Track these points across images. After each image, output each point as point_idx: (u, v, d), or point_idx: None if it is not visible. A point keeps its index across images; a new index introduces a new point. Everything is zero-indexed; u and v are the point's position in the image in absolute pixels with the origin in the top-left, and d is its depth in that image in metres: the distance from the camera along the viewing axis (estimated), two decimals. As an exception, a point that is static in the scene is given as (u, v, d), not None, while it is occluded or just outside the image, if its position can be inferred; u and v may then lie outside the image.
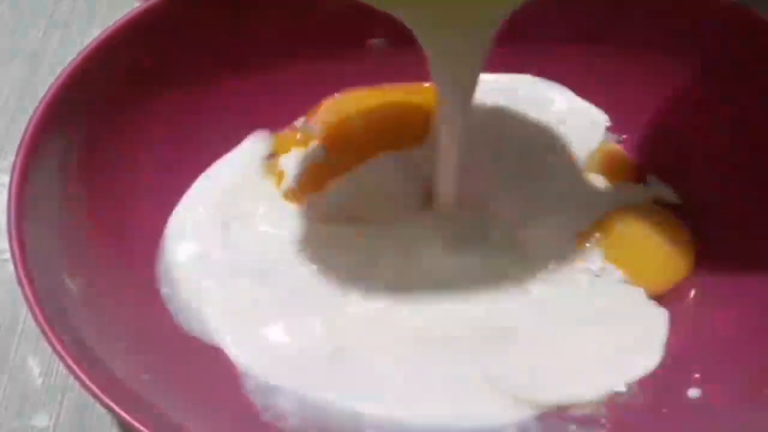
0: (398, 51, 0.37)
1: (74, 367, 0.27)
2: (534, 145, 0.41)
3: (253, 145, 0.41)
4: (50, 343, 0.27)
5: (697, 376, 0.33)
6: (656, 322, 0.35)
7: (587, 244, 0.37)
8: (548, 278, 0.36)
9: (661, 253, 0.37)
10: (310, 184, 0.39)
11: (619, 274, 0.36)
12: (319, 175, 0.40)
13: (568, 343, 0.35)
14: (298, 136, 0.41)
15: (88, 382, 0.27)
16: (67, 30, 0.49)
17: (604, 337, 0.35)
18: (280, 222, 0.39)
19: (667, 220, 0.38)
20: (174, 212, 0.39)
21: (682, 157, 0.39)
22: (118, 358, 0.30)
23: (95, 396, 0.26)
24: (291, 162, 0.40)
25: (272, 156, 0.41)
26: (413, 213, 0.39)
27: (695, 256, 0.37)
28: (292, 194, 0.39)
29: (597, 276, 0.36)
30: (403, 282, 0.36)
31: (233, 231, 0.38)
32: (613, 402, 0.33)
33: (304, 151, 0.41)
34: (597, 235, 0.37)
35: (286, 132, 0.42)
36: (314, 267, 0.37)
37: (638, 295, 0.36)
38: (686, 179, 0.39)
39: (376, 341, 0.35)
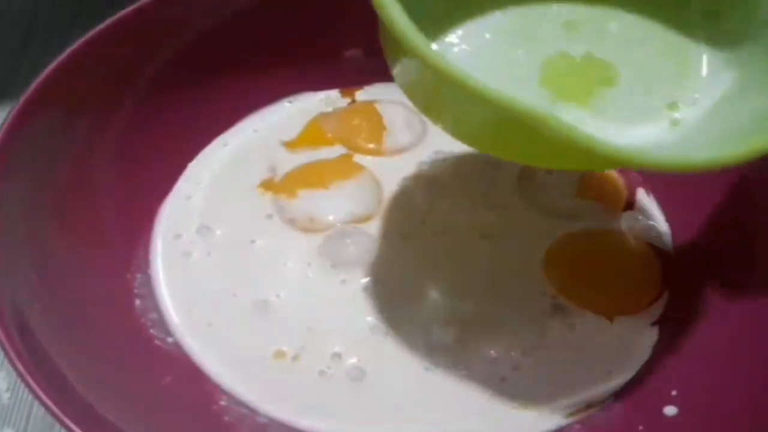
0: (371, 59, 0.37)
1: (34, 386, 0.26)
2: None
3: (219, 151, 0.41)
4: (11, 361, 0.27)
5: (674, 393, 0.33)
6: (635, 338, 0.35)
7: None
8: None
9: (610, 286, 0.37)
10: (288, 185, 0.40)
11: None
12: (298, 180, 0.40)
13: (544, 359, 0.34)
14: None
15: (48, 403, 0.26)
16: (47, 35, 0.49)
17: (579, 353, 0.35)
18: (260, 229, 0.38)
19: (627, 249, 0.38)
20: (152, 222, 0.38)
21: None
22: (85, 376, 0.30)
23: (56, 417, 0.26)
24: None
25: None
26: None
27: (672, 277, 0.37)
28: (269, 186, 0.40)
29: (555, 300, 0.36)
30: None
31: (212, 239, 0.38)
32: (589, 418, 0.33)
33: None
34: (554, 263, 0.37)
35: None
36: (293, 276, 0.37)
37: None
38: (675, 196, 0.39)
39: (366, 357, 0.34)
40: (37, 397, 0.26)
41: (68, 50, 0.34)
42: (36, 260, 0.32)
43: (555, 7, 0.30)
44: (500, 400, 0.33)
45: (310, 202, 0.39)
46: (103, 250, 0.36)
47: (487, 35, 0.29)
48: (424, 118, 0.42)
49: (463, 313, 0.35)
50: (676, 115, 0.28)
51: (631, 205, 0.40)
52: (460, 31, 0.29)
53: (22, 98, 0.32)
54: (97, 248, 0.35)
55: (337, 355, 0.34)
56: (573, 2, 0.30)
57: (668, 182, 0.40)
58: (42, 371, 0.27)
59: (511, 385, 0.34)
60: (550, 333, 0.35)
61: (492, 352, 0.34)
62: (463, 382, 0.34)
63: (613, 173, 0.41)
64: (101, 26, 0.34)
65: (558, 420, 0.33)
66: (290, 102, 0.43)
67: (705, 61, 0.29)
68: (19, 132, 0.32)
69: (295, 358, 0.34)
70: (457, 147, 0.41)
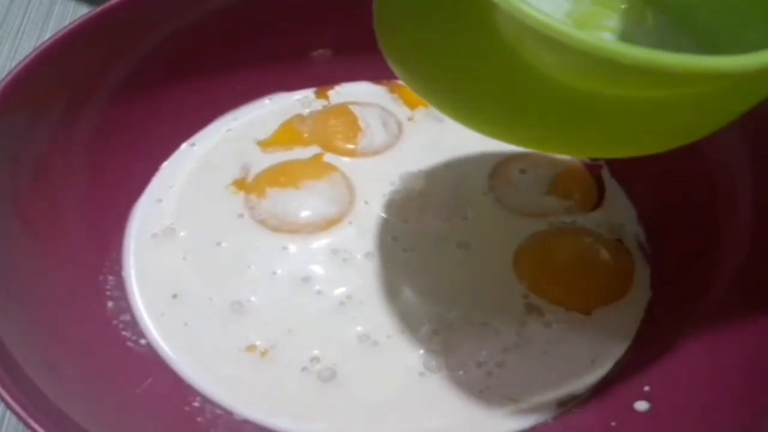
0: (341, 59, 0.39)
1: (3, 392, 0.26)
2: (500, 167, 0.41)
3: (192, 151, 0.41)
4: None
5: (647, 389, 0.33)
6: (609, 333, 0.35)
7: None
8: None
9: (582, 279, 0.37)
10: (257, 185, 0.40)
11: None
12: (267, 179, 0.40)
13: (524, 358, 0.35)
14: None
15: (17, 409, 0.26)
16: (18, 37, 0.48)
17: (556, 350, 0.35)
18: (232, 230, 0.38)
19: (594, 246, 0.38)
20: (124, 223, 0.38)
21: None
22: (56, 379, 0.29)
23: (25, 423, 0.26)
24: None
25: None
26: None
27: (648, 273, 0.37)
28: (241, 186, 0.40)
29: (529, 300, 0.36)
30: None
31: (184, 239, 0.38)
32: (562, 414, 0.33)
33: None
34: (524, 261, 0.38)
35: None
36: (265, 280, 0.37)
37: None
38: (642, 191, 0.39)
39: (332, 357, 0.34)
40: (5, 403, 0.26)
41: (33, 53, 0.33)
42: (2, 264, 0.32)
43: None
44: (480, 399, 0.33)
45: (280, 201, 0.39)
46: (74, 253, 0.35)
47: None
48: (400, 120, 0.43)
49: (445, 320, 0.35)
50: None
51: (601, 201, 0.40)
52: None
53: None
54: (68, 251, 0.35)
55: (316, 358, 0.34)
56: None
57: (634, 176, 0.40)
58: (11, 376, 0.27)
59: (492, 384, 0.34)
60: (528, 332, 0.35)
61: (476, 353, 0.34)
62: (447, 384, 0.34)
63: (584, 170, 0.41)
64: (68, 28, 0.34)
65: (534, 417, 0.33)
66: (265, 102, 0.43)
67: None
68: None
69: (264, 354, 0.34)
70: (430, 147, 0.42)
